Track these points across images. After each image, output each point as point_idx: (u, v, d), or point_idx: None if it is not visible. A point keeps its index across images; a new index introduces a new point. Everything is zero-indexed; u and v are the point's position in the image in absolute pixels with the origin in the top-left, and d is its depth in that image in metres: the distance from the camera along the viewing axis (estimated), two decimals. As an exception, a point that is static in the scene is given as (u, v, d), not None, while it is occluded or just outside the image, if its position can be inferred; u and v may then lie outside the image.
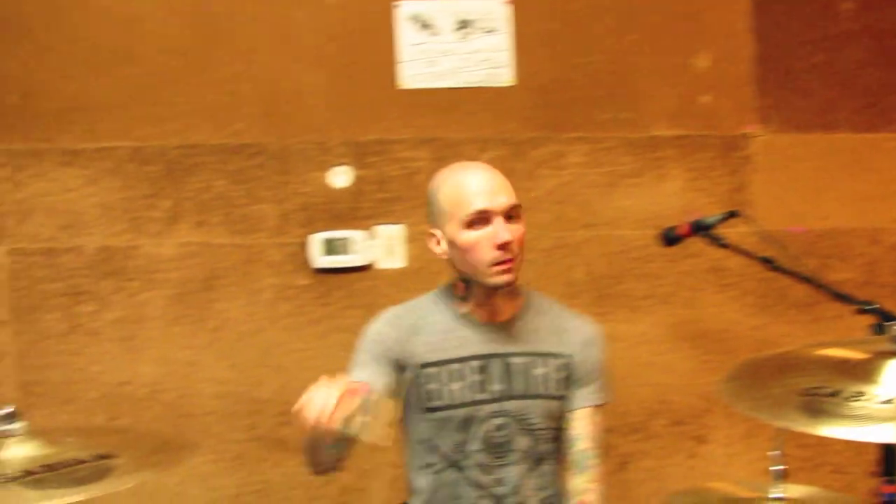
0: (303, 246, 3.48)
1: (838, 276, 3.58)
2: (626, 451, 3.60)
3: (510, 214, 2.56)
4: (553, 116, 3.51)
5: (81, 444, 2.20)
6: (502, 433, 2.62)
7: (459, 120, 3.50)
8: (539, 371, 2.63)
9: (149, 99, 3.44)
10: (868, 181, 3.61)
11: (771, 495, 2.42)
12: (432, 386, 2.62)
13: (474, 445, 2.62)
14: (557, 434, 2.67)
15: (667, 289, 3.59)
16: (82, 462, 2.09)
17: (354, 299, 3.49)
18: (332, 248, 3.47)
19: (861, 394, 1.98)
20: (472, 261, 2.57)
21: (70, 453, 2.12)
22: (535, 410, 2.62)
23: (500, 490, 2.63)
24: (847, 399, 1.97)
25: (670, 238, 3.18)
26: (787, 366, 2.20)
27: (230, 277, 3.48)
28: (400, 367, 2.61)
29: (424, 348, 2.62)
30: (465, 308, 2.66)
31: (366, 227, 3.49)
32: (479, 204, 2.55)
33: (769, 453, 2.40)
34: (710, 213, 3.11)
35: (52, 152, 3.43)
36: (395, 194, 3.49)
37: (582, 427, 2.65)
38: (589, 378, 2.66)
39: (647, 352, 3.58)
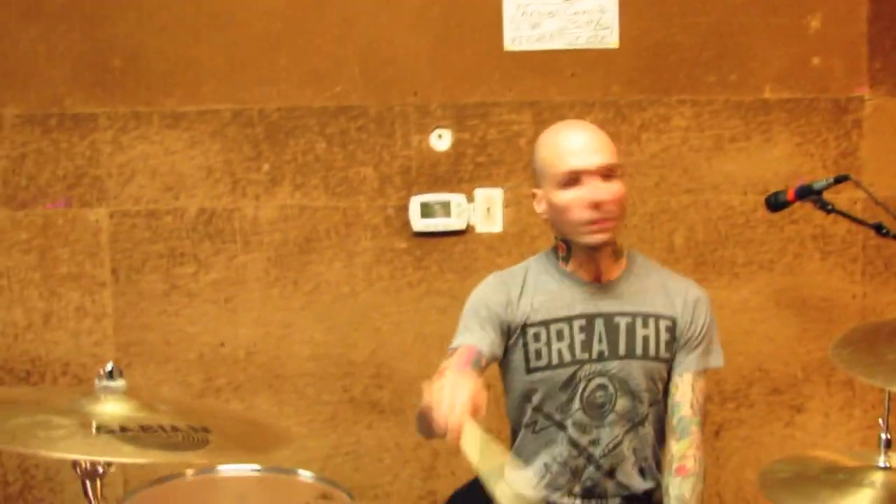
0: (401, 209, 3.48)
1: (948, 243, 3.51)
2: (720, 419, 3.57)
3: (607, 174, 2.53)
4: (658, 79, 3.46)
5: (176, 413, 2.22)
6: (603, 393, 2.60)
7: (563, 82, 3.47)
8: (643, 332, 2.61)
9: (250, 62, 3.45)
10: (981, 146, 3.52)
11: (878, 464, 2.36)
12: (536, 346, 2.61)
13: (576, 405, 2.61)
14: (659, 397, 2.66)
15: (769, 255, 3.53)
16: (177, 430, 2.10)
17: (451, 263, 3.49)
18: (430, 211, 3.46)
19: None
20: (568, 220, 2.56)
21: (165, 419, 2.14)
22: (637, 372, 2.60)
23: (595, 450, 2.63)
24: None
25: (777, 203, 3.13)
26: (902, 332, 2.15)
27: (328, 240, 3.50)
28: (506, 330, 2.62)
29: (530, 308, 2.61)
30: (569, 267, 2.64)
31: (465, 191, 3.48)
32: (572, 163, 2.53)
33: (880, 420, 2.34)
34: (819, 178, 3.07)
35: (154, 115, 3.47)
36: (495, 158, 3.47)
37: (684, 393, 2.62)
38: (693, 342, 2.63)
39: (746, 319, 3.54)
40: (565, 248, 2.64)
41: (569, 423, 2.63)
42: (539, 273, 2.67)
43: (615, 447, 2.63)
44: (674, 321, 2.63)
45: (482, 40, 3.44)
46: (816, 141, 3.50)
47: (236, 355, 3.53)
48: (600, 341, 2.60)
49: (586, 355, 2.60)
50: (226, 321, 3.52)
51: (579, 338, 2.60)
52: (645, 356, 2.61)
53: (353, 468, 3.56)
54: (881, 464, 2.34)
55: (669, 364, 2.64)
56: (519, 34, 3.44)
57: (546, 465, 2.66)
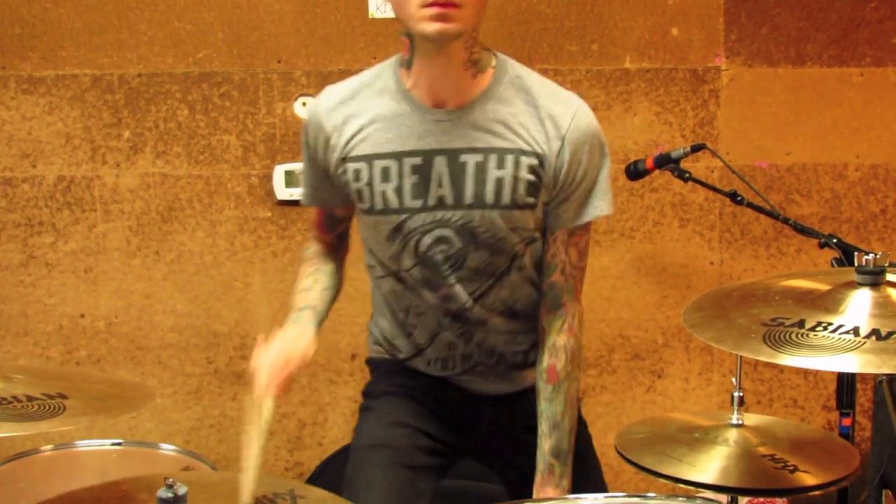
0: (265, 177, 3.44)
1: (802, 210, 3.61)
2: (583, 386, 3.62)
3: None
4: (521, 47, 3.46)
5: (32, 382, 2.17)
6: (445, 247, 2.17)
7: (426, 50, 3.45)
8: (497, 174, 2.12)
9: (110, 25, 3.37)
10: (834, 116, 3.61)
11: (730, 422, 2.43)
12: (357, 185, 2.17)
13: (409, 261, 2.20)
14: (528, 247, 2.23)
15: (630, 223, 3.59)
16: (32, 399, 2.05)
17: (317, 232, 3.47)
18: (294, 179, 3.43)
19: (824, 324, 1.98)
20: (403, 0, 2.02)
21: (19, 390, 2.09)
22: (489, 222, 2.14)
23: (451, 306, 2.24)
24: (810, 330, 1.97)
25: (636, 172, 3.20)
26: (751, 296, 2.20)
27: (191, 209, 3.45)
28: (331, 171, 2.23)
29: (352, 137, 2.16)
30: (409, 80, 2.14)
31: (330, 159, 3.45)
32: None
33: (733, 380, 2.41)
34: (677, 147, 3.13)
35: (11, 79, 3.36)
36: (359, 126, 3.45)
37: (554, 254, 2.22)
38: (569, 189, 2.18)
39: (608, 287, 3.60)
40: (409, 48, 2.11)
41: (406, 276, 2.23)
42: (375, 92, 2.18)
43: (477, 302, 2.24)
44: (540, 159, 2.13)
45: (347, 7, 3.42)
46: (675, 110, 3.56)
47: (97, 327, 3.47)
48: (440, 185, 2.12)
49: (419, 202, 2.14)
50: (86, 292, 3.45)
51: (411, 180, 2.13)
52: (497, 204, 2.13)
53: (218, 440, 3.54)
54: (734, 421, 2.41)
55: (540, 208, 2.19)
56: (384, 1, 3.41)
57: (399, 323, 2.33)
